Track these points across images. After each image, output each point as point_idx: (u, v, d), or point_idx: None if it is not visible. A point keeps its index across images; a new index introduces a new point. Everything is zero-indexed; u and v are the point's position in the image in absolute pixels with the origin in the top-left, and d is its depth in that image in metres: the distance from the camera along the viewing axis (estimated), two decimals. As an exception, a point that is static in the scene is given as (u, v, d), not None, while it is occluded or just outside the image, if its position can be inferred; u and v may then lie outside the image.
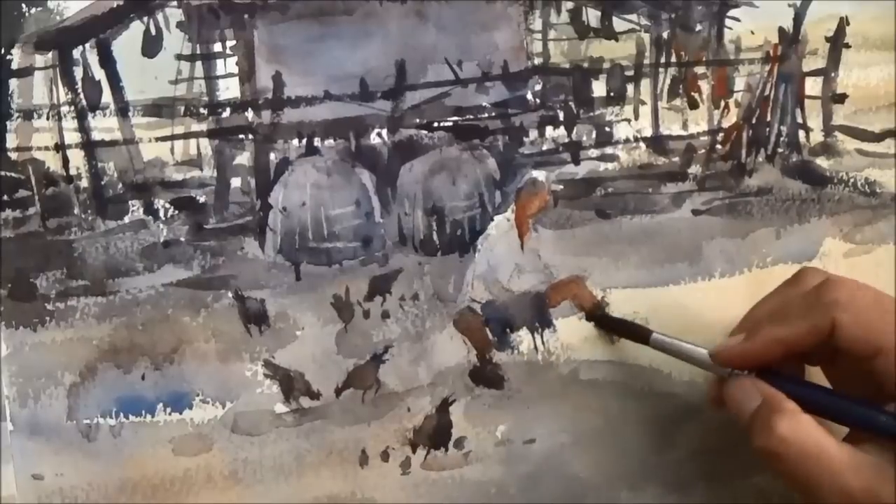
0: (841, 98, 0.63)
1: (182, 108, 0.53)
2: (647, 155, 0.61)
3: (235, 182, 0.54)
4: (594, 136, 0.60)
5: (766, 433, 0.48)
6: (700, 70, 0.61)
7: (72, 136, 0.51)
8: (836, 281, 0.51)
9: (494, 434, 0.59)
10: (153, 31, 0.52)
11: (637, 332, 0.57)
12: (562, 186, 0.59)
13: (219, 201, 0.54)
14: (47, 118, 0.51)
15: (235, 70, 0.53)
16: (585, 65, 0.59)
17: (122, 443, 0.53)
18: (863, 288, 0.50)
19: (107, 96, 0.52)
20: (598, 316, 0.59)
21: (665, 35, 0.60)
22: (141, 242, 0.53)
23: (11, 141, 0.50)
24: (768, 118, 0.63)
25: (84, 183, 0.52)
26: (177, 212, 0.53)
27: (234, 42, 0.53)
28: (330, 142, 0.55)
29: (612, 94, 0.59)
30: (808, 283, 0.52)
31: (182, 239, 0.53)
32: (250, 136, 0.54)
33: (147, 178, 0.53)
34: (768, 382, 0.50)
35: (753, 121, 0.62)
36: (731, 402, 0.51)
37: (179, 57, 0.52)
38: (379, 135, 0.56)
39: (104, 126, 0.52)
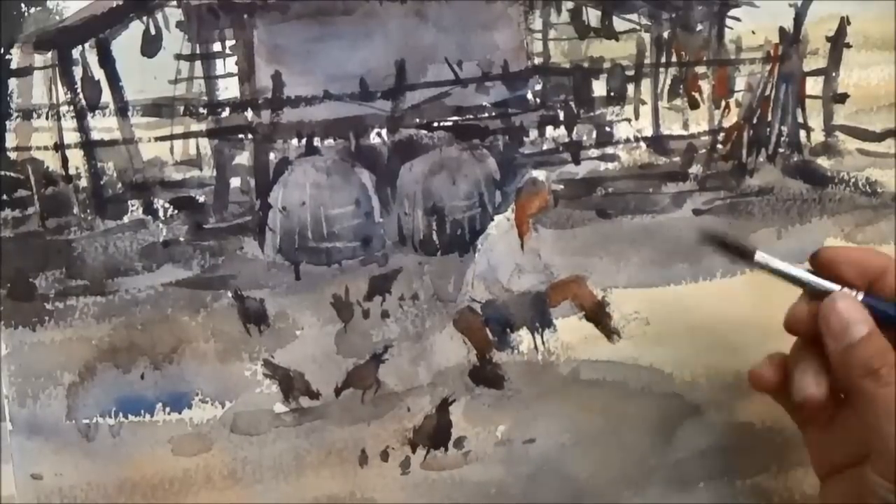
0: (842, 98, 0.63)
1: (181, 108, 0.53)
2: (647, 155, 0.61)
3: (235, 182, 0.54)
4: (594, 135, 0.60)
5: (880, 356, 0.47)
6: (701, 70, 0.61)
7: (71, 136, 0.51)
8: None
9: (494, 434, 0.59)
10: (152, 31, 0.52)
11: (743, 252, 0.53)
12: (562, 186, 0.59)
13: (218, 201, 0.54)
14: (46, 118, 0.51)
15: (235, 70, 0.53)
16: (586, 65, 0.59)
17: (121, 442, 0.53)
18: None
19: (106, 96, 0.52)
20: (712, 236, 0.55)
21: (665, 35, 0.60)
22: (140, 242, 0.53)
23: (11, 140, 0.51)
24: (769, 118, 0.62)
25: (83, 182, 0.52)
26: (176, 211, 0.53)
27: (233, 42, 0.53)
28: (330, 141, 0.55)
29: (612, 93, 0.59)
30: None
31: (181, 239, 0.53)
32: (250, 136, 0.54)
33: (146, 178, 0.53)
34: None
35: (754, 121, 0.62)
36: (837, 317, 0.49)
37: (179, 57, 0.52)
38: (379, 135, 0.56)
39: (103, 126, 0.52)
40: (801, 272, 0.51)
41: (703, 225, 0.58)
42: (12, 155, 0.51)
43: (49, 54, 0.51)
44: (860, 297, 0.50)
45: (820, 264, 0.51)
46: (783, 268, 0.52)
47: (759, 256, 0.52)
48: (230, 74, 0.53)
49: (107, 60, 0.51)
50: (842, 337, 0.49)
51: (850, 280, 0.50)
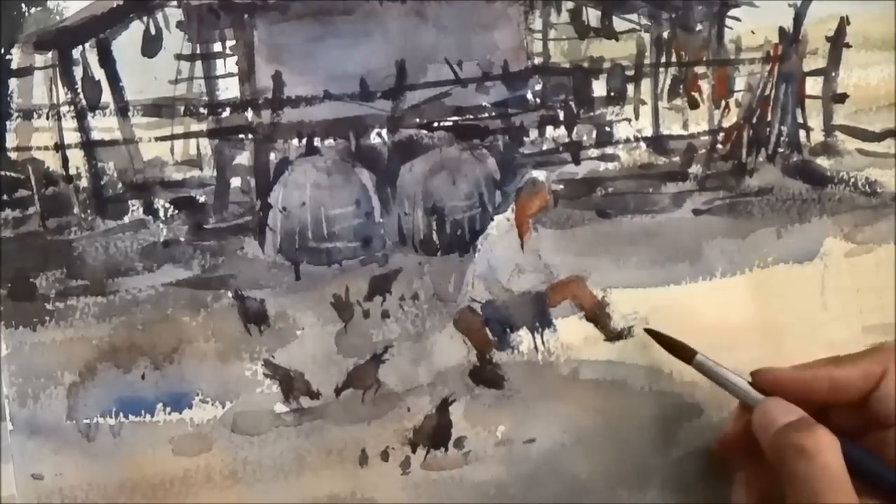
0: (841, 98, 0.63)
1: (182, 108, 0.53)
2: (647, 155, 0.61)
3: (235, 182, 0.54)
4: (594, 135, 0.60)
5: (806, 433, 0.48)
6: (700, 70, 0.61)
7: (71, 136, 0.51)
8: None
9: (494, 434, 0.59)
10: (153, 31, 0.52)
11: (682, 352, 0.56)
12: (562, 186, 0.59)
13: (218, 201, 0.54)
14: (47, 118, 0.51)
15: (235, 70, 0.53)
16: (586, 65, 0.59)
17: (121, 442, 0.53)
18: None
19: (106, 96, 0.52)
20: (652, 331, 0.58)
21: (665, 35, 0.60)
22: (141, 242, 0.53)
23: (11, 141, 0.51)
24: (769, 118, 0.62)
25: (84, 183, 0.52)
26: (177, 211, 0.53)
27: (233, 42, 0.53)
28: (330, 142, 0.55)
29: (612, 93, 0.59)
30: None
31: (182, 239, 0.53)
32: (250, 136, 0.54)
33: (147, 178, 0.53)
34: None
35: (754, 120, 0.62)
36: (767, 413, 0.51)
37: (179, 57, 0.52)
38: (379, 135, 0.56)
39: (104, 126, 0.52)
40: (739, 381, 0.53)
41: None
42: (13, 155, 0.51)
43: (49, 54, 0.51)
44: None
45: (759, 384, 0.52)
46: (721, 374, 0.53)
47: (700, 359, 0.54)
48: (230, 74, 0.53)
49: (107, 60, 0.51)
50: (770, 426, 0.50)
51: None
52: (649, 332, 0.57)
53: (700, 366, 0.54)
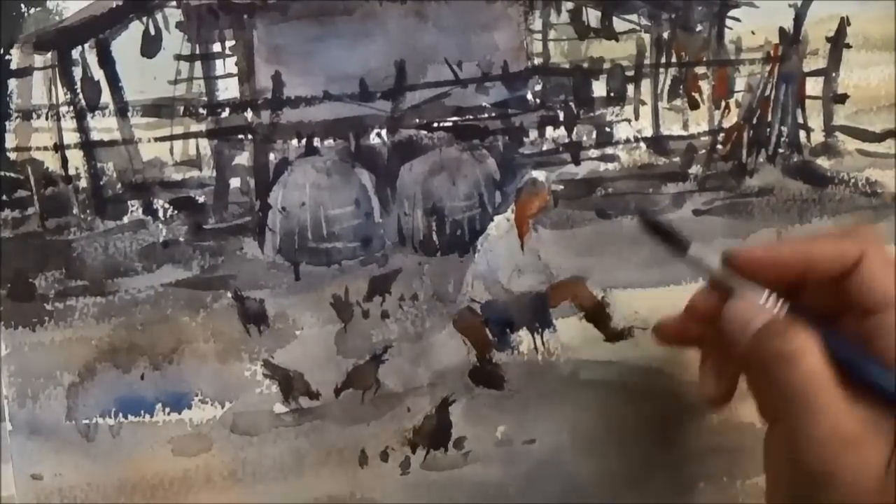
0: (842, 98, 0.63)
1: (181, 109, 0.53)
2: (647, 155, 0.61)
3: (235, 182, 0.54)
4: (594, 136, 0.60)
5: (784, 337, 0.45)
6: (700, 70, 0.61)
7: (71, 137, 0.51)
8: (870, 226, 0.52)
9: (494, 434, 0.59)
10: (152, 32, 0.52)
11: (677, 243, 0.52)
12: (562, 186, 0.59)
13: (218, 201, 0.54)
14: (46, 118, 0.51)
15: (235, 70, 0.53)
16: (585, 65, 0.59)
17: (121, 443, 0.53)
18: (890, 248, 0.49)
19: (106, 96, 0.52)
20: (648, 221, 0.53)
21: (665, 35, 0.60)
22: (140, 242, 0.53)
23: (10, 141, 0.51)
24: (769, 118, 0.62)
25: (83, 183, 0.52)
26: (176, 212, 0.53)
27: (233, 42, 0.53)
28: (329, 142, 0.55)
29: (612, 94, 0.59)
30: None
31: (181, 239, 0.53)
32: (249, 137, 0.54)
33: (146, 179, 0.53)
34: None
35: (754, 121, 0.62)
36: (738, 314, 0.48)
37: (178, 57, 0.52)
38: (378, 135, 0.56)
39: (103, 126, 0.52)
40: (723, 273, 0.49)
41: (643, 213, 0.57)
42: (12, 155, 0.51)
43: (49, 55, 0.51)
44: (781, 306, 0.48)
45: (732, 265, 0.49)
46: (708, 265, 0.50)
47: (693, 251, 0.50)
48: (230, 75, 0.53)
49: (107, 61, 0.51)
50: (744, 329, 0.47)
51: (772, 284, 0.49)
52: (642, 219, 0.53)
53: (692, 259, 0.50)
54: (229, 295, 0.54)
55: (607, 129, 0.60)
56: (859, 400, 0.45)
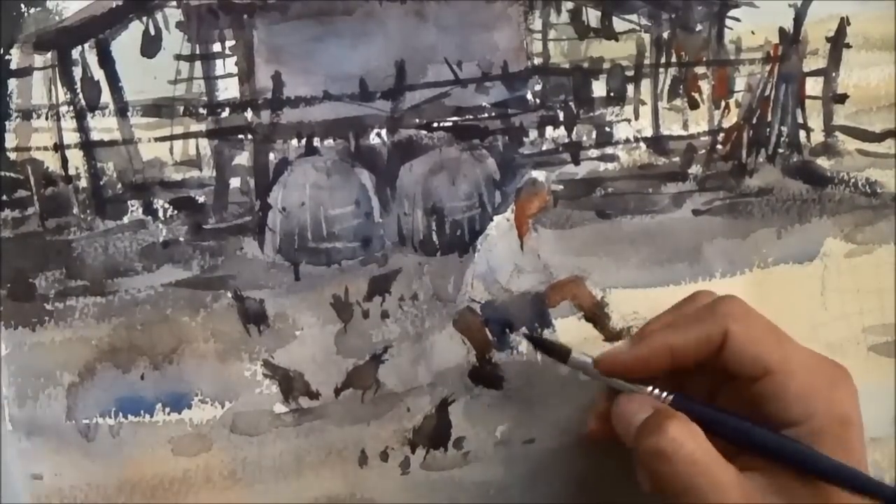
0: (841, 98, 0.63)
1: (181, 109, 0.53)
2: (647, 155, 0.61)
3: (234, 182, 0.54)
4: (594, 136, 0.60)
5: (657, 433, 0.47)
6: (700, 70, 0.61)
7: (71, 137, 0.51)
8: (731, 297, 0.51)
9: (494, 434, 0.59)
10: (152, 32, 0.52)
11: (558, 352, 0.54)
12: (562, 186, 0.59)
13: (218, 201, 0.54)
14: (46, 118, 0.51)
15: (235, 70, 0.53)
16: (585, 65, 0.59)
17: (121, 443, 0.53)
18: (754, 310, 0.50)
19: (106, 96, 0.52)
20: (529, 336, 0.58)
21: (665, 35, 0.60)
22: (140, 242, 0.53)
23: (10, 141, 0.51)
24: (769, 118, 0.62)
25: (83, 183, 0.52)
26: (176, 212, 0.53)
27: (233, 42, 0.53)
28: (329, 142, 0.55)
29: (612, 94, 0.59)
30: (702, 301, 0.52)
31: (181, 239, 0.53)
32: (249, 137, 0.54)
33: (146, 178, 0.53)
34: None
35: (754, 121, 0.62)
36: (621, 413, 0.50)
37: (178, 57, 0.52)
38: (378, 135, 0.56)
39: (103, 126, 0.52)
40: (614, 380, 0.51)
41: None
42: (12, 155, 0.51)
43: (49, 55, 0.51)
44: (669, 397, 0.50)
45: (606, 372, 0.51)
46: (592, 370, 0.52)
47: (574, 358, 0.52)
48: (230, 75, 0.53)
49: (106, 61, 0.51)
50: (627, 429, 0.49)
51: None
52: (527, 337, 0.58)
53: (575, 364, 0.53)
54: (229, 295, 0.54)
55: (607, 129, 0.60)
56: (756, 469, 0.47)
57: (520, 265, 0.59)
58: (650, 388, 0.50)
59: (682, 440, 0.46)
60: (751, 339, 0.49)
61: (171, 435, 0.54)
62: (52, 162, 0.51)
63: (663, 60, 0.60)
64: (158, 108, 0.52)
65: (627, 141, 0.60)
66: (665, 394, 0.50)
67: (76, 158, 0.52)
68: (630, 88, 0.60)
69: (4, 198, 0.51)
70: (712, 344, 0.49)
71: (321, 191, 0.55)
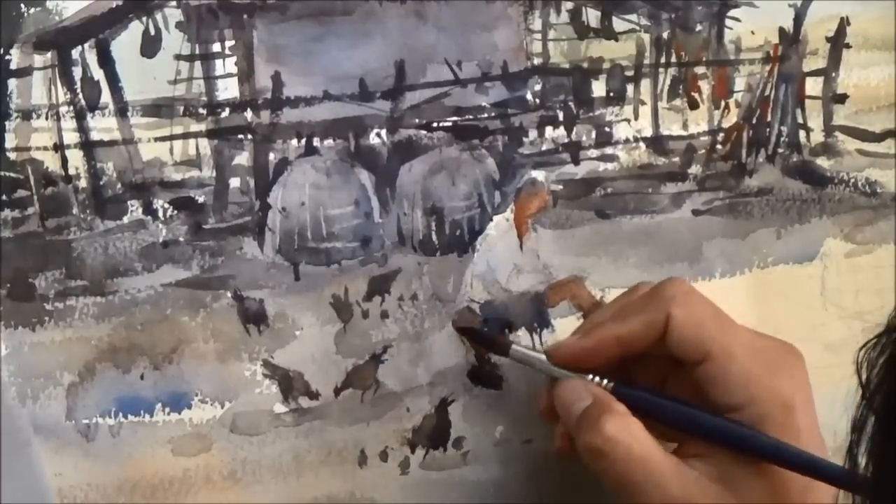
0: (841, 98, 0.63)
1: (181, 109, 0.53)
2: (647, 155, 0.61)
3: (234, 182, 0.54)
4: (594, 136, 0.60)
5: (593, 431, 0.47)
6: (700, 70, 0.61)
7: (70, 136, 0.51)
8: (673, 280, 0.51)
9: (493, 434, 0.59)
10: (152, 32, 0.52)
11: (498, 346, 0.56)
12: (561, 186, 0.59)
13: (218, 201, 0.54)
14: (46, 118, 0.51)
15: (234, 70, 0.53)
16: (585, 65, 0.59)
17: (121, 443, 0.53)
18: (698, 292, 0.51)
19: (105, 96, 0.51)
20: (463, 329, 0.58)
21: (665, 35, 0.60)
22: (140, 242, 0.53)
23: (10, 141, 0.50)
24: (769, 118, 0.62)
25: (83, 183, 0.52)
26: (176, 212, 0.53)
27: (233, 42, 0.53)
28: (329, 142, 0.55)
29: (612, 94, 0.59)
30: (643, 291, 0.53)
31: (181, 239, 0.53)
32: (249, 137, 0.54)
33: (146, 178, 0.53)
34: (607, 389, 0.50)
35: (754, 121, 0.62)
36: (561, 403, 0.50)
37: (178, 57, 0.52)
38: (378, 135, 0.56)
39: (103, 126, 0.52)
40: (550, 367, 0.52)
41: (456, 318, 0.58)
42: (12, 155, 0.51)
43: (49, 55, 0.51)
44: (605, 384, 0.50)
45: (558, 363, 0.52)
46: (535, 360, 0.53)
47: (514, 350, 0.54)
48: (230, 75, 0.53)
49: (106, 61, 0.51)
50: (568, 420, 0.50)
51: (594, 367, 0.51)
52: (460, 329, 0.57)
53: (516, 356, 0.54)
54: (229, 295, 0.54)
55: (607, 129, 0.60)
56: (700, 455, 0.47)
57: (519, 265, 0.59)
58: (590, 376, 0.51)
59: (618, 437, 0.47)
60: (692, 323, 0.49)
61: (170, 435, 0.54)
62: (51, 162, 0.51)
63: (663, 60, 0.60)
64: (158, 108, 0.52)
65: (627, 141, 0.60)
66: (605, 381, 0.50)
67: (76, 158, 0.52)
68: (630, 88, 0.60)
69: (4, 198, 0.51)
70: (656, 329, 0.49)
71: (321, 191, 0.55)
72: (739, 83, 0.62)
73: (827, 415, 0.49)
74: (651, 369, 0.52)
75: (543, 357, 0.53)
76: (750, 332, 0.50)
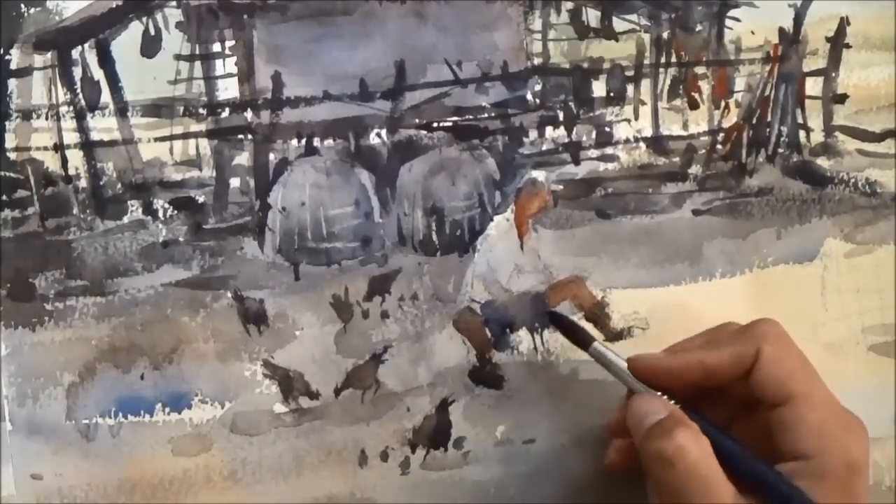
0: (841, 98, 0.63)
1: (181, 109, 0.53)
2: (647, 155, 0.61)
3: (234, 182, 0.54)
4: (594, 136, 0.60)
5: (666, 438, 0.47)
6: (700, 70, 0.61)
7: (71, 137, 0.51)
8: (767, 319, 0.51)
9: (494, 434, 0.59)
10: (152, 32, 0.52)
11: (581, 338, 0.55)
12: (562, 186, 0.59)
13: (218, 201, 0.54)
14: (46, 118, 0.51)
15: (234, 70, 0.53)
16: (585, 65, 0.59)
17: (121, 443, 0.53)
18: (788, 336, 0.51)
19: (105, 96, 0.52)
20: (553, 315, 0.58)
21: (665, 35, 0.60)
22: (140, 242, 0.53)
23: (10, 141, 0.51)
24: (769, 118, 0.62)
25: (83, 183, 0.52)
26: (176, 212, 0.53)
27: (233, 42, 0.53)
28: (329, 142, 0.55)
29: (612, 94, 0.59)
30: (733, 328, 0.53)
31: (181, 239, 0.53)
32: (249, 137, 0.54)
33: (146, 179, 0.53)
34: None
35: (754, 121, 0.62)
36: (635, 413, 0.50)
37: (178, 57, 0.52)
38: (378, 135, 0.56)
39: (103, 126, 0.52)
40: (627, 375, 0.52)
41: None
42: (12, 155, 0.51)
43: (49, 55, 0.51)
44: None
45: (636, 373, 0.52)
46: (614, 363, 0.52)
47: (595, 347, 0.53)
48: (230, 75, 0.53)
49: (106, 61, 0.51)
50: (638, 428, 0.49)
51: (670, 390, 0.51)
52: (551, 315, 0.57)
53: (595, 353, 0.53)
54: (229, 295, 0.54)
55: (607, 129, 0.60)
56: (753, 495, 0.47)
57: (520, 265, 0.59)
58: (664, 396, 0.50)
59: (689, 448, 0.46)
60: (781, 362, 0.49)
61: (170, 435, 0.54)
62: (52, 162, 0.51)
63: (663, 60, 0.60)
64: (158, 108, 0.52)
65: (627, 141, 0.60)
66: (679, 406, 0.50)
67: (76, 158, 0.52)
68: (630, 88, 0.60)
69: (4, 198, 0.51)
70: (744, 363, 0.49)
71: (321, 191, 0.55)
72: (739, 83, 0.62)
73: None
74: (719, 410, 0.52)
75: (624, 364, 0.52)
76: (828, 389, 0.50)
